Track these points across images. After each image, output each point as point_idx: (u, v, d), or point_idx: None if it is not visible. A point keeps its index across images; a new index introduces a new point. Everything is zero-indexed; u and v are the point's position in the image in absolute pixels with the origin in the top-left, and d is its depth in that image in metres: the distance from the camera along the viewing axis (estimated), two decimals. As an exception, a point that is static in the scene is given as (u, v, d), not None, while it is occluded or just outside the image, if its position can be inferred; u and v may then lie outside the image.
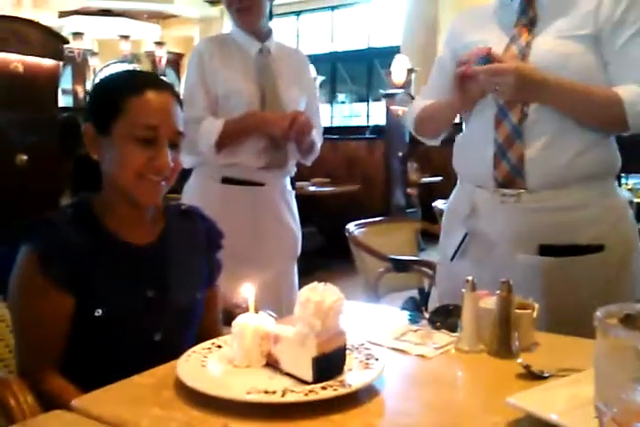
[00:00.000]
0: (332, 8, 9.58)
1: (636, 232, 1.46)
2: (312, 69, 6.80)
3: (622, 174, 3.87)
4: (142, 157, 1.07)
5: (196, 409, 0.81)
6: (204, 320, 1.24)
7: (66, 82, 8.36)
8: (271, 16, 2.03)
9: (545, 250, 1.37)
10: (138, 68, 7.21)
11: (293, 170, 2.09)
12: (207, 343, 1.00)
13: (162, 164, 1.08)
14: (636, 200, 2.71)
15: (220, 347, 0.99)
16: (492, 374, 0.98)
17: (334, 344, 0.87)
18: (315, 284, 0.88)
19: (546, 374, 0.92)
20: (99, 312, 1.06)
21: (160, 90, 1.11)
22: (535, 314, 1.08)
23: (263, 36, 1.98)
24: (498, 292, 1.04)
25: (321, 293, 0.86)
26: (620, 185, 3.60)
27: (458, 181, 1.57)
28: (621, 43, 1.33)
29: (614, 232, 1.39)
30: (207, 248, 1.26)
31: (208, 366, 0.92)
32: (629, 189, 3.19)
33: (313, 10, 9.70)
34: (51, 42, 3.89)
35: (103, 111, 1.10)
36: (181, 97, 1.96)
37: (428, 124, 1.57)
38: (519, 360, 0.95)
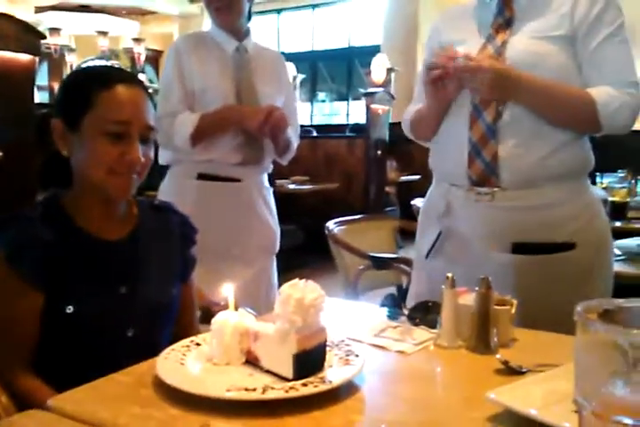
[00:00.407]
0: (313, 6, 9.56)
1: (608, 230, 1.48)
2: (291, 69, 6.79)
3: (597, 173, 3.92)
4: (113, 152, 1.06)
5: (176, 407, 0.81)
6: (180, 317, 1.23)
7: (42, 78, 8.23)
8: (250, 16, 2.03)
9: (518, 248, 1.39)
10: (111, 64, 7.14)
11: (270, 167, 2.09)
12: (186, 341, 1.00)
13: (133, 158, 1.07)
14: (610, 199, 2.75)
15: (198, 345, 0.98)
16: (471, 369, 0.99)
17: (315, 341, 0.87)
18: (295, 280, 0.88)
19: (524, 370, 0.93)
20: (70, 309, 1.04)
21: (130, 84, 1.10)
22: (513, 310, 1.09)
23: (241, 35, 1.99)
24: (477, 288, 1.04)
25: (302, 289, 0.85)
26: (594, 184, 3.65)
27: (433, 180, 1.58)
28: (595, 44, 1.35)
29: (587, 230, 1.41)
30: (181, 243, 1.25)
31: (187, 363, 0.92)
32: (604, 188, 3.23)
33: (294, 8, 9.67)
34: (27, 37, 3.83)
35: (73, 106, 1.09)
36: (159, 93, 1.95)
37: (419, 128, 1.58)
38: (498, 356, 0.96)
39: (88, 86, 1.09)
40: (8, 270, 1.02)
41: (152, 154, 1.14)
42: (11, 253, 1.03)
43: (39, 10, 8.45)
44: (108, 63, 8.37)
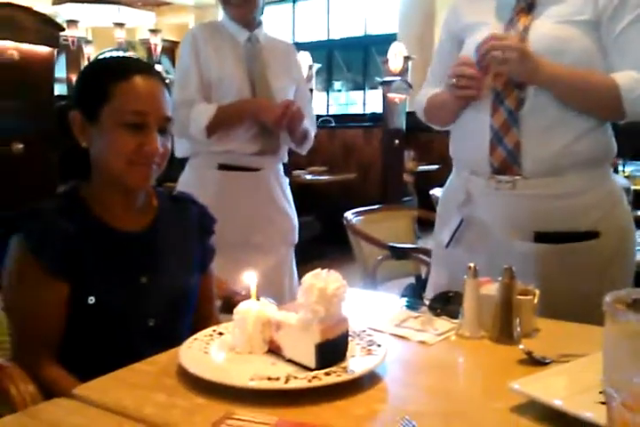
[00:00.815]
0: (329, -5, 9.49)
1: (631, 219, 1.46)
2: (306, 58, 6.74)
3: (619, 161, 3.87)
4: (132, 142, 1.07)
5: (200, 396, 0.81)
6: (200, 307, 1.23)
7: (60, 70, 8.27)
8: (262, 9, 2.03)
9: (540, 237, 1.37)
10: (128, 55, 7.16)
11: (286, 156, 2.10)
12: (209, 330, 1.00)
13: (152, 149, 1.08)
14: (633, 187, 2.71)
15: (221, 334, 0.99)
16: (494, 360, 0.98)
17: (337, 331, 0.87)
18: (318, 270, 0.88)
19: (547, 360, 0.92)
20: (92, 300, 1.06)
21: (148, 75, 1.10)
22: (536, 300, 1.08)
23: (253, 25, 2.00)
24: (499, 278, 1.04)
25: (324, 279, 0.85)
26: (616, 172, 3.61)
27: (453, 169, 1.56)
28: (620, 28, 1.32)
29: (610, 219, 1.39)
30: (199, 233, 1.26)
31: (210, 353, 0.92)
32: (627, 177, 3.19)
33: (309, -3, 9.61)
34: (46, 29, 3.85)
35: (91, 98, 1.09)
36: (174, 81, 1.95)
37: (435, 115, 1.57)
38: (521, 346, 0.96)
39: (105, 78, 1.09)
40: (33, 262, 1.04)
41: (170, 144, 1.14)
42: (35, 246, 1.04)
43: (57, 2, 8.50)
44: (126, 54, 8.41)
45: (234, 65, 1.93)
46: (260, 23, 2.02)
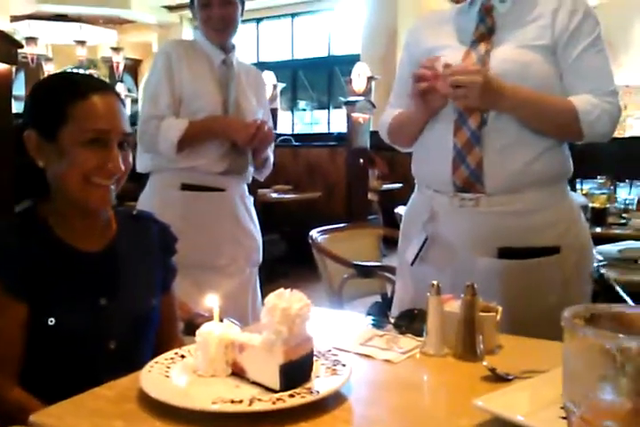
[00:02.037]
0: (293, 15, 9.60)
1: (589, 235, 1.50)
2: (271, 78, 6.76)
3: (577, 180, 3.97)
4: (93, 159, 1.05)
5: (161, 421, 0.79)
6: (162, 329, 1.21)
7: (19, 88, 8.14)
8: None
9: (504, 253, 1.40)
10: (88, 73, 7.09)
11: (250, 177, 2.10)
12: (170, 353, 0.98)
13: (113, 167, 1.06)
14: (590, 205, 2.78)
15: (183, 357, 0.97)
16: (458, 377, 0.98)
17: (301, 351, 0.86)
18: (281, 290, 0.87)
19: (510, 377, 0.93)
20: (52, 321, 1.03)
21: (104, 92, 1.09)
22: (499, 317, 1.09)
23: (227, 48, 2.02)
24: (462, 295, 1.05)
25: (287, 299, 0.85)
26: (574, 190, 3.70)
27: (415, 187, 1.58)
28: (576, 54, 1.37)
29: (569, 235, 1.43)
30: (161, 253, 1.24)
31: (172, 376, 0.90)
32: (585, 194, 3.27)
33: (273, 17, 9.71)
34: (4, 46, 3.78)
35: (47, 119, 1.07)
36: (142, 95, 1.94)
37: (399, 135, 1.58)
38: (484, 363, 0.96)
39: (62, 98, 1.07)
40: None
41: (130, 160, 1.13)
42: None
43: (15, 19, 8.37)
44: (87, 72, 8.32)
45: (208, 84, 1.94)
46: (233, 47, 2.04)
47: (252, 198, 2.14)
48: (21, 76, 8.75)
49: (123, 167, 1.08)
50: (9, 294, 1.01)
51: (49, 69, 8.61)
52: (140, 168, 1.99)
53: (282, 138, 6.80)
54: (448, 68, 1.32)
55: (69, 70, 8.24)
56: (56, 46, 10.04)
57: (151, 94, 1.92)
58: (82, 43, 8.39)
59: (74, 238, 1.10)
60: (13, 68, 4.06)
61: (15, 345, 1.03)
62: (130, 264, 1.15)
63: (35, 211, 1.11)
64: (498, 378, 0.93)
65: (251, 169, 2.06)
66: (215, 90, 1.94)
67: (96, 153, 1.05)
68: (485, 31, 1.43)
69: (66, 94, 1.08)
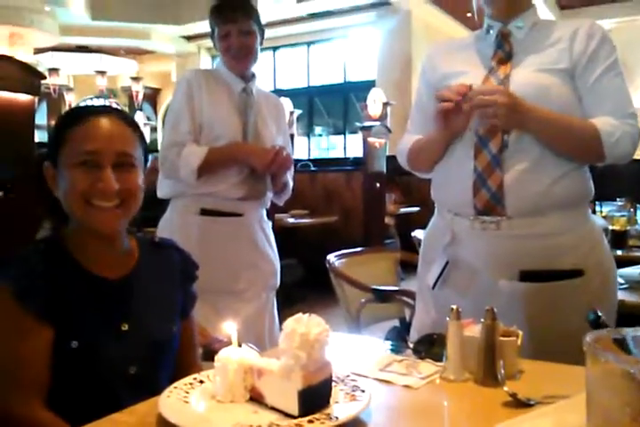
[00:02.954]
0: (309, 44, 9.76)
1: (612, 258, 1.48)
2: (288, 105, 6.86)
3: (596, 202, 3.94)
4: (85, 180, 1.07)
5: (179, 447, 0.79)
6: (181, 355, 1.21)
7: (41, 117, 8.33)
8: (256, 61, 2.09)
9: (526, 276, 1.38)
10: (109, 103, 7.22)
11: (269, 202, 2.11)
12: (189, 378, 0.98)
13: (105, 186, 1.07)
14: (611, 227, 2.75)
15: (202, 382, 0.97)
16: (479, 402, 0.97)
17: (320, 376, 0.86)
18: (299, 315, 0.87)
19: (532, 402, 0.91)
20: (75, 344, 1.04)
21: (102, 115, 1.11)
22: (519, 341, 1.07)
23: (247, 77, 2.05)
24: (482, 320, 1.03)
25: (306, 324, 0.85)
26: (594, 213, 3.67)
27: (435, 211, 1.58)
28: (594, 78, 1.39)
29: (592, 258, 1.41)
30: (182, 280, 1.25)
31: (191, 401, 0.90)
32: (604, 217, 3.23)
33: (289, 45, 9.87)
34: (27, 77, 3.88)
35: (52, 147, 1.11)
36: (164, 123, 1.98)
37: (419, 160, 1.58)
38: (505, 388, 0.95)
39: (63, 125, 1.11)
40: (18, 308, 1.02)
41: (138, 180, 1.13)
42: (20, 291, 1.03)
43: (38, 51, 8.62)
44: (106, 102, 8.50)
45: (228, 111, 1.97)
46: (253, 75, 2.08)
47: (270, 223, 2.15)
48: (44, 106, 8.96)
49: (117, 186, 1.08)
50: (36, 317, 1.03)
51: (70, 99, 8.81)
52: (160, 194, 2.02)
53: (301, 163, 6.85)
54: (473, 89, 1.33)
55: (89, 100, 8.42)
56: (77, 77, 10.30)
57: (172, 121, 1.95)
58: (102, 73, 8.60)
59: (95, 265, 1.11)
60: (36, 99, 4.17)
61: (42, 367, 1.04)
62: (151, 291, 1.16)
63: (57, 238, 1.13)
64: (519, 404, 0.91)
65: (269, 194, 2.08)
66: (234, 117, 1.97)
67: (88, 174, 1.07)
68: (504, 56, 1.44)
69: (67, 121, 1.12)
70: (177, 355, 1.20)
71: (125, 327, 1.10)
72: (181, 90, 1.97)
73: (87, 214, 1.08)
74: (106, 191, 1.08)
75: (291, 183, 2.11)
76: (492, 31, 1.48)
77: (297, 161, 7.23)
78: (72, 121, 1.10)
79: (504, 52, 1.44)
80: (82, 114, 1.12)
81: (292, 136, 7.39)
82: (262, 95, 2.11)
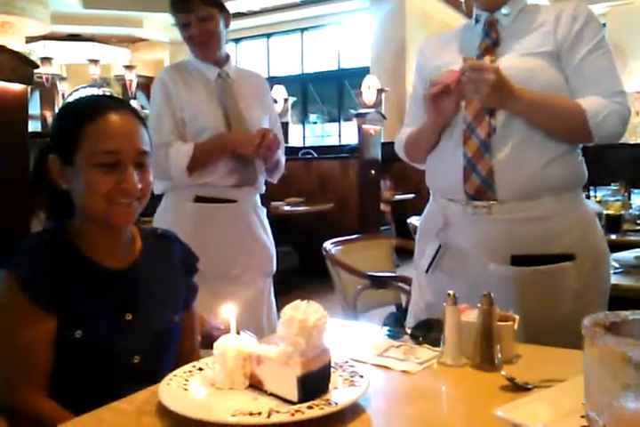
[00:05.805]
0: (302, 30, 9.69)
1: (604, 242, 1.49)
2: (282, 92, 6.80)
3: (591, 187, 3.95)
4: (109, 182, 1.06)
5: (180, 434, 0.79)
6: (182, 343, 1.22)
7: (34, 107, 8.27)
8: (225, 44, 2.06)
9: (517, 260, 1.39)
10: (102, 92, 7.17)
11: (263, 187, 2.12)
12: (188, 366, 0.99)
13: (129, 186, 1.07)
14: (605, 212, 2.76)
15: (201, 369, 0.97)
16: (477, 387, 0.98)
17: (319, 363, 0.86)
18: (297, 302, 0.87)
19: (529, 386, 0.92)
20: (79, 334, 1.04)
21: (118, 112, 1.10)
22: (516, 326, 1.08)
23: (221, 61, 2.03)
24: (479, 305, 1.04)
25: (304, 311, 0.85)
26: (588, 198, 3.68)
27: (430, 197, 1.59)
28: (579, 58, 1.39)
29: (584, 242, 1.42)
30: (183, 272, 1.25)
31: (190, 389, 0.91)
32: (598, 202, 3.25)
33: (283, 32, 9.80)
34: (20, 67, 3.84)
35: (64, 142, 1.09)
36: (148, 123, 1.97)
37: (414, 150, 1.59)
38: (503, 373, 0.95)
39: (76, 121, 1.09)
40: (23, 297, 1.02)
41: (150, 178, 1.14)
42: (25, 280, 1.03)
43: (30, 39, 8.53)
44: (100, 91, 8.43)
45: (207, 102, 1.96)
46: (227, 57, 2.05)
47: (264, 210, 2.15)
48: (36, 95, 8.90)
49: (140, 186, 1.09)
50: (40, 308, 1.03)
51: (63, 88, 8.75)
52: (156, 190, 2.01)
53: (303, 151, 6.84)
54: (466, 62, 1.32)
55: (83, 89, 8.36)
56: (70, 66, 10.20)
57: (154, 123, 1.94)
58: (95, 62, 8.54)
59: (99, 256, 1.11)
60: (29, 88, 4.13)
61: (45, 357, 1.04)
62: (154, 281, 1.17)
63: (61, 229, 1.13)
64: (517, 388, 0.92)
65: (262, 180, 2.08)
66: (214, 106, 1.96)
67: (110, 175, 1.07)
68: (490, 44, 1.45)
69: (79, 117, 1.09)
70: (178, 345, 1.21)
71: (129, 317, 1.11)
72: (157, 91, 1.97)
73: (106, 211, 1.08)
74: (130, 191, 1.08)
75: (283, 160, 2.10)
76: (480, 20, 1.49)
77: (297, 149, 7.23)
78: (86, 117, 1.08)
79: (491, 40, 1.45)
80: (95, 109, 1.10)
81: (286, 124, 7.37)
82: (241, 75, 2.09)
